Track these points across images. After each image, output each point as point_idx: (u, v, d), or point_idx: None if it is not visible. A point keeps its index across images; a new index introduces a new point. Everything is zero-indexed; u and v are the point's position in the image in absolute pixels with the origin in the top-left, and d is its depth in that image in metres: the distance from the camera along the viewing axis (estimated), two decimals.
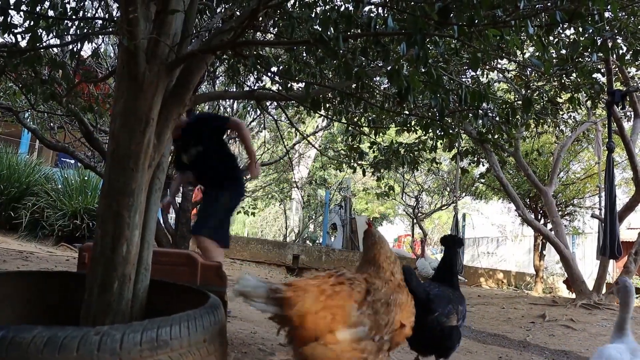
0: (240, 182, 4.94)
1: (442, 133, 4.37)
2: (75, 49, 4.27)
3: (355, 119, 5.99)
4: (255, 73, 5.12)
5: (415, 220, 19.72)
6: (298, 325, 1.99)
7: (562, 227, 9.98)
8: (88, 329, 1.63)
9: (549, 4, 3.16)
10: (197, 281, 3.14)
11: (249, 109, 9.64)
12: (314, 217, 22.16)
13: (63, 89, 4.40)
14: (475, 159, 8.90)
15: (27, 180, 10.89)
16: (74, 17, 3.77)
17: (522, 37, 4.16)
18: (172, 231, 7.02)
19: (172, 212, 8.31)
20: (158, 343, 1.68)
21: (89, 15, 4.68)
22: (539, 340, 6.02)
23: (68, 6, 3.69)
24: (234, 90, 6.15)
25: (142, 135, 2.41)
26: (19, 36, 3.55)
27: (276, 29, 4.29)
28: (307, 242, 19.77)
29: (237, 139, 11.36)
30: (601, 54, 5.31)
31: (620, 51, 4.64)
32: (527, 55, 6.51)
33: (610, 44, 4.41)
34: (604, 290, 8.98)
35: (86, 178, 10.69)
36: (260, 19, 3.84)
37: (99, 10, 5.23)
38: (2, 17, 3.22)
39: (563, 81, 6.48)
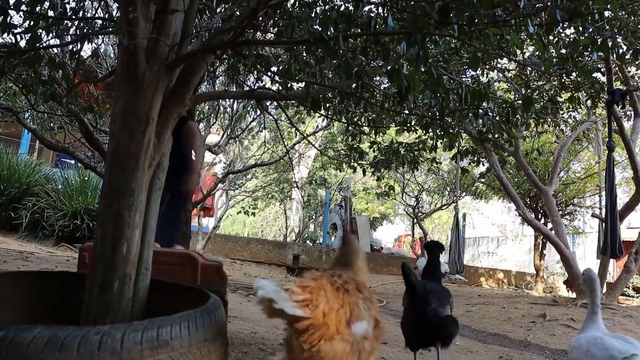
0: (182, 186, 4.70)
1: (442, 133, 4.37)
2: (75, 49, 4.27)
3: (356, 119, 5.99)
4: (255, 73, 5.12)
5: (415, 220, 19.72)
6: (322, 323, 2.03)
7: (563, 227, 9.98)
8: (88, 329, 1.63)
9: (549, 3, 3.16)
10: (197, 281, 3.14)
11: (249, 108, 9.64)
12: (314, 217, 22.16)
13: (63, 89, 4.39)
14: (476, 158, 8.90)
15: (28, 181, 10.89)
16: (73, 17, 3.77)
17: (522, 37, 4.16)
18: None
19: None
20: (158, 343, 1.68)
21: (88, 15, 4.67)
22: (540, 340, 6.02)
23: (68, 6, 3.68)
24: (234, 90, 6.15)
25: (142, 134, 2.41)
26: (18, 36, 3.55)
27: (276, 29, 4.28)
28: (308, 242, 19.77)
29: (236, 140, 11.36)
30: (601, 53, 5.31)
31: (621, 50, 4.64)
32: (527, 54, 6.51)
33: (610, 43, 4.41)
34: (604, 290, 8.98)
35: (86, 178, 10.69)
36: (260, 18, 3.84)
37: (99, 10, 5.23)
38: (2, 17, 3.22)
39: (563, 80, 6.48)
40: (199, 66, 2.85)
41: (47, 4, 3.62)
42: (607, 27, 4.46)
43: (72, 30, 4.05)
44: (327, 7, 3.72)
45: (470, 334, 6.17)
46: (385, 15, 2.55)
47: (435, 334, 3.33)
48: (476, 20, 2.23)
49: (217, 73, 7.97)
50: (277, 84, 4.75)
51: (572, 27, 4.97)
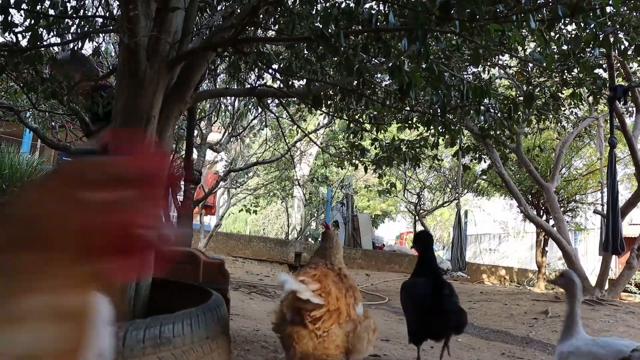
0: None
1: (444, 129, 4.36)
2: (76, 48, 4.27)
3: (357, 116, 5.98)
4: (257, 70, 5.11)
5: (417, 217, 19.70)
6: (336, 308, 2.18)
7: (564, 224, 9.97)
8: None
9: None
10: (199, 278, 3.14)
11: (250, 106, 9.63)
12: (315, 214, 22.17)
13: (64, 88, 4.39)
14: (477, 155, 8.88)
15: (30, 180, 10.89)
16: (74, 15, 3.77)
17: (523, 33, 4.15)
18: (174, 229, 7.01)
19: (173, 210, 8.31)
20: (161, 340, 1.67)
21: (89, 13, 4.67)
22: (542, 336, 6.02)
23: (68, 5, 3.68)
24: (235, 87, 6.15)
25: (143, 132, 2.41)
26: (19, 35, 3.55)
27: (277, 26, 4.28)
28: (309, 239, 19.77)
29: (237, 137, 11.36)
30: (603, 49, 5.30)
31: (622, 46, 4.62)
32: (528, 51, 6.49)
33: (612, 39, 4.39)
34: (606, 287, 8.97)
35: None
36: (261, 16, 3.83)
37: (99, 8, 5.22)
38: (3, 16, 3.21)
39: (565, 77, 6.47)
40: (199, 64, 2.85)
41: (47, 2, 3.62)
42: (609, 22, 4.44)
43: (72, 29, 4.06)
44: (328, 4, 3.72)
45: (473, 331, 6.17)
46: (387, 12, 2.54)
47: (454, 324, 3.47)
48: (477, 17, 2.23)
49: (218, 71, 7.97)
50: (279, 82, 4.75)
51: (573, 24, 4.96)
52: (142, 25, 2.45)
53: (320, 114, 11.24)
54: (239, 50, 2.86)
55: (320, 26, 2.68)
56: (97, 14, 4.94)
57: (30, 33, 3.26)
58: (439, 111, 3.49)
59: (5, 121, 9.65)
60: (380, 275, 12.66)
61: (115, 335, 0.91)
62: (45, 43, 3.68)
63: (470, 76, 6.17)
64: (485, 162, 9.83)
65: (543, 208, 14.58)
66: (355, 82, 3.59)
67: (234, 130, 10.27)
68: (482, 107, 3.70)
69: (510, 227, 24.35)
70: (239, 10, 3.29)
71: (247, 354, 3.58)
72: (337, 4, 3.37)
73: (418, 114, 4.95)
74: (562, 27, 5.29)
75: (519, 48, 5.86)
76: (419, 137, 6.84)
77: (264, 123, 11.34)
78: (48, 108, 7.12)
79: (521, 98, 5.63)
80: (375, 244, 18.54)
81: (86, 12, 4.10)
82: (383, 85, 4.97)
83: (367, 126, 5.88)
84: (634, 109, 9.16)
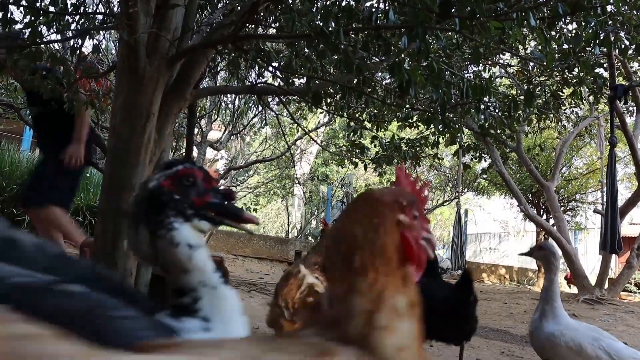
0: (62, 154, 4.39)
1: (444, 128, 4.35)
2: (76, 45, 4.26)
3: (357, 115, 5.98)
4: (257, 68, 5.11)
5: None
6: None
7: (565, 223, 9.97)
8: None
9: None
10: None
11: (250, 104, 9.63)
12: (316, 213, 22.16)
13: (64, 85, 4.38)
14: (478, 154, 8.88)
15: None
16: (74, 12, 3.76)
17: (524, 32, 4.14)
18: None
19: None
20: None
21: (89, 10, 4.66)
22: None
23: (68, 1, 3.68)
24: (235, 85, 6.14)
25: (142, 130, 2.41)
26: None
27: (277, 24, 4.27)
28: (310, 238, 19.78)
29: (237, 136, 11.35)
30: (604, 49, 5.29)
31: (623, 45, 4.61)
32: (529, 50, 6.49)
33: (612, 38, 4.38)
34: (606, 286, 8.97)
35: (88, 175, 10.69)
36: (262, 14, 3.83)
37: (100, 5, 5.21)
38: (2, 13, 3.21)
39: (565, 76, 6.46)
40: (199, 61, 2.85)
41: None
42: (610, 21, 4.43)
43: (72, 26, 4.05)
44: (328, 1, 3.71)
45: None
46: (387, 9, 2.54)
47: (473, 324, 3.38)
48: (477, 14, 2.22)
49: (218, 69, 7.97)
50: (279, 80, 4.74)
51: (574, 23, 4.95)
52: (142, 22, 2.45)
53: (321, 112, 11.24)
54: (238, 48, 2.85)
55: (320, 24, 2.68)
56: (97, 10, 4.93)
57: (29, 30, 3.25)
58: (439, 109, 3.49)
59: (5, 118, 9.66)
60: None
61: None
62: (45, 40, 3.67)
63: (471, 75, 6.16)
64: (485, 161, 9.83)
65: (543, 207, 14.58)
66: (356, 80, 3.59)
67: (234, 129, 10.26)
68: (482, 106, 3.69)
69: (511, 226, 24.33)
70: (239, 8, 3.29)
71: None
72: (337, 2, 3.36)
73: (418, 112, 4.94)
74: (563, 26, 5.28)
75: (520, 47, 5.86)
76: (419, 136, 6.83)
77: (264, 121, 11.34)
78: None
79: (522, 97, 5.63)
80: None
81: (86, 9, 4.09)
82: (383, 83, 4.97)
83: (368, 124, 5.87)
84: (635, 108, 9.15)
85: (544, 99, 6.39)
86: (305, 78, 3.70)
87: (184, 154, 7.10)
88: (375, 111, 5.54)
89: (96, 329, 0.92)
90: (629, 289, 13.28)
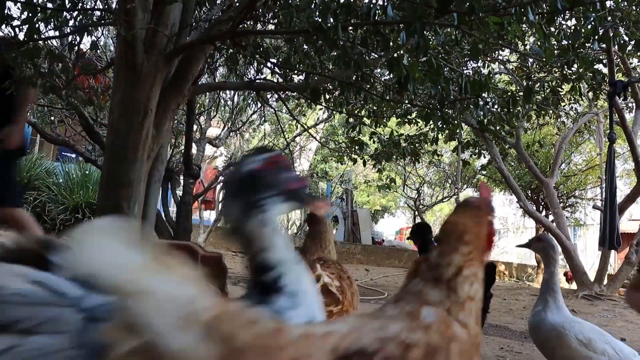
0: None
1: (443, 124, 4.35)
2: (74, 41, 4.25)
3: (356, 111, 5.97)
4: (256, 64, 5.10)
5: (416, 213, 19.70)
6: (346, 310, 2.32)
7: (564, 219, 9.97)
8: None
9: None
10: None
11: (249, 101, 9.62)
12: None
13: (62, 82, 4.38)
14: (477, 150, 8.88)
15: (29, 175, 10.87)
16: (72, 8, 3.75)
17: (523, 27, 4.13)
18: (174, 224, 7.02)
19: (173, 205, 8.31)
20: None
21: (87, 6, 4.65)
22: None
23: None
24: (234, 81, 6.13)
25: (140, 126, 2.41)
26: (17, 28, 3.53)
27: (276, 20, 4.26)
28: None
29: (237, 132, 11.34)
30: (603, 45, 5.28)
31: (622, 40, 4.61)
32: (528, 46, 6.47)
33: (611, 34, 4.37)
34: (605, 282, 8.98)
35: (87, 172, 10.67)
36: (260, 10, 3.82)
37: (98, 1, 5.20)
38: (0, 9, 3.20)
39: (565, 72, 6.45)
40: (197, 57, 2.84)
41: None
42: (609, 17, 4.42)
43: (70, 22, 4.04)
44: None
45: None
46: (385, 4, 2.53)
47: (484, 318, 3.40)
48: (476, 9, 2.21)
49: (217, 65, 7.96)
50: (277, 76, 4.73)
51: (573, 19, 4.94)
52: (140, 18, 2.44)
53: (320, 109, 11.23)
54: (236, 44, 2.85)
55: (319, 19, 2.67)
56: (95, 7, 4.92)
57: (27, 26, 3.24)
58: (437, 105, 3.48)
59: None
60: (379, 271, 12.66)
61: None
62: (43, 36, 3.66)
63: (470, 71, 6.15)
64: (484, 157, 9.82)
65: (542, 203, 14.58)
66: (354, 76, 3.58)
67: (233, 125, 10.25)
68: (480, 101, 3.69)
69: (510, 222, 24.37)
70: (237, 3, 3.28)
71: None
72: None
73: (417, 109, 4.94)
74: (562, 21, 5.27)
75: (519, 43, 5.85)
76: (418, 132, 6.83)
77: (263, 118, 11.33)
78: (47, 102, 7.10)
79: (521, 93, 5.62)
80: (374, 239, 18.55)
81: (84, 5, 4.08)
82: (382, 79, 4.96)
83: (367, 120, 5.87)
84: (634, 104, 9.14)
85: (543, 95, 6.39)
86: (304, 74, 3.69)
87: (183, 150, 7.10)
88: (375, 107, 5.54)
89: None
90: (628, 285, 13.28)
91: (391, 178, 8.97)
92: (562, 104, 8.08)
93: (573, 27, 4.42)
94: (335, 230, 18.41)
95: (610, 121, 7.13)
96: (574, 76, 6.27)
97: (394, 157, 6.95)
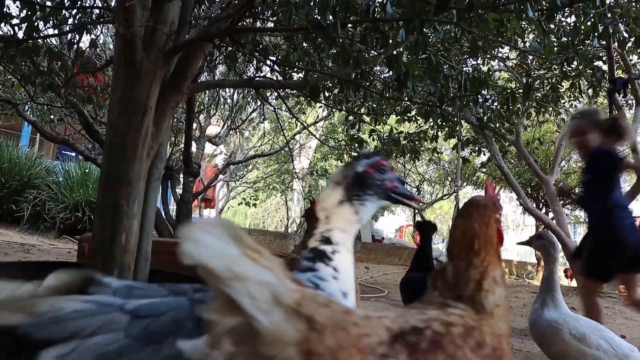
0: None
1: (443, 121, 4.35)
2: (73, 40, 4.24)
3: (356, 109, 5.97)
4: (255, 62, 5.09)
5: (416, 210, 19.70)
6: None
7: (564, 216, 9.96)
8: None
9: None
10: (196, 271, 3.13)
11: (249, 99, 9.61)
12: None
13: (62, 80, 4.37)
14: (477, 148, 8.87)
15: (29, 173, 10.89)
16: (71, 6, 3.74)
17: (523, 25, 4.12)
18: (173, 222, 7.02)
19: (172, 203, 8.31)
20: None
21: (86, 4, 4.65)
22: None
23: None
24: (233, 79, 6.12)
25: (139, 124, 2.40)
26: (15, 26, 3.53)
27: (275, 18, 4.26)
28: None
29: (236, 130, 11.32)
30: (603, 41, 5.27)
31: (622, 37, 4.60)
32: (528, 44, 6.47)
33: (611, 30, 4.37)
34: None
35: (87, 170, 10.69)
36: (259, 8, 3.81)
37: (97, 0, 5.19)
38: None
39: (564, 69, 6.44)
40: (196, 55, 2.83)
41: None
42: (609, 14, 4.41)
43: (69, 20, 4.03)
44: None
45: None
46: (384, 2, 2.53)
47: None
48: (475, 6, 2.21)
49: (217, 62, 7.94)
50: (277, 74, 4.73)
51: (573, 16, 4.93)
52: (138, 16, 2.44)
53: (320, 107, 11.23)
54: (235, 41, 2.84)
55: (318, 17, 2.66)
56: (94, 5, 4.91)
57: (26, 24, 3.24)
58: (437, 102, 3.48)
59: (3, 114, 9.63)
60: (379, 268, 12.67)
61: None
62: (42, 34, 3.66)
63: (470, 68, 6.15)
64: (484, 154, 9.82)
65: (542, 201, 14.59)
66: (354, 73, 3.57)
67: (233, 123, 10.25)
68: (480, 99, 3.68)
69: (510, 219, 24.38)
70: (236, 1, 3.28)
71: None
72: None
73: (417, 106, 4.93)
74: (562, 18, 5.26)
75: (519, 40, 5.84)
76: (418, 130, 6.83)
77: (262, 116, 11.32)
78: (46, 101, 7.09)
79: (520, 90, 5.62)
80: (374, 237, 18.55)
81: (83, 3, 4.07)
82: (382, 77, 4.95)
83: (366, 118, 5.86)
84: (634, 101, 9.13)
85: (543, 92, 6.38)
86: (303, 72, 3.69)
87: (182, 148, 7.09)
88: (374, 105, 5.53)
89: None
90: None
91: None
92: (562, 101, 8.07)
93: (572, 24, 4.41)
94: None
95: None
96: (574, 73, 6.26)
97: (394, 154, 6.95)
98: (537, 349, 5.02)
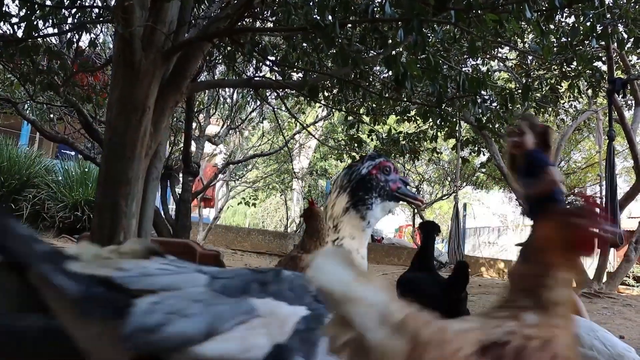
0: None
1: (442, 121, 4.35)
2: (72, 39, 4.25)
3: (355, 109, 5.97)
4: (254, 62, 5.09)
5: (416, 210, 19.70)
6: None
7: None
8: None
9: None
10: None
11: (248, 99, 9.60)
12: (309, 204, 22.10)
13: (61, 79, 4.37)
14: (476, 148, 8.88)
15: (28, 172, 10.89)
16: (70, 5, 3.75)
17: (522, 25, 4.12)
18: (173, 222, 7.02)
19: (172, 202, 8.31)
20: None
21: (85, 4, 4.65)
22: None
23: None
24: (232, 78, 6.12)
25: (138, 123, 2.41)
26: (14, 25, 3.53)
27: (274, 18, 4.26)
28: None
29: (236, 130, 11.33)
30: (602, 42, 5.28)
31: (620, 37, 4.61)
32: (527, 44, 6.47)
33: (610, 30, 4.37)
34: (604, 279, 8.98)
35: (86, 170, 10.68)
36: (258, 9, 3.81)
37: None
38: None
39: (564, 69, 6.45)
40: (195, 54, 2.84)
41: None
42: (608, 15, 4.42)
43: (69, 20, 4.03)
44: None
45: None
46: (383, 2, 2.53)
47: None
48: (474, 7, 2.21)
49: (217, 61, 7.94)
50: (276, 74, 4.73)
51: (572, 16, 4.94)
52: (137, 15, 2.44)
53: (319, 107, 11.23)
54: (234, 41, 2.84)
55: (317, 17, 2.67)
56: (94, 4, 4.92)
57: (25, 23, 3.24)
58: (436, 102, 3.48)
59: (3, 113, 9.63)
60: (378, 268, 12.67)
61: None
62: (41, 33, 3.66)
63: (470, 68, 6.15)
64: (484, 155, 9.83)
65: None
66: (353, 73, 3.57)
67: (232, 123, 10.24)
68: (478, 99, 3.68)
69: (510, 220, 24.38)
70: (235, 1, 3.28)
71: None
72: None
73: (416, 106, 4.94)
74: (562, 19, 5.27)
75: (518, 40, 5.85)
76: (417, 130, 6.83)
77: (262, 116, 11.31)
78: (46, 100, 7.09)
79: (519, 90, 5.62)
80: (374, 237, 18.54)
81: (83, 2, 4.07)
82: (381, 77, 4.95)
83: (365, 118, 5.86)
84: (633, 102, 9.14)
85: (542, 93, 6.39)
86: (302, 72, 3.69)
87: (182, 147, 7.10)
88: (374, 105, 5.53)
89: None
90: (627, 282, 13.30)
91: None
92: (562, 101, 8.08)
93: (572, 25, 4.41)
94: None
95: (610, 119, 7.13)
96: (573, 74, 6.27)
97: (393, 154, 6.96)
98: None
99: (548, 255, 1.18)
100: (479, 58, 6.15)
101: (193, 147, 8.05)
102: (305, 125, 9.02)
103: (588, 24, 3.40)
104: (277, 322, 1.12)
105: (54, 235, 9.76)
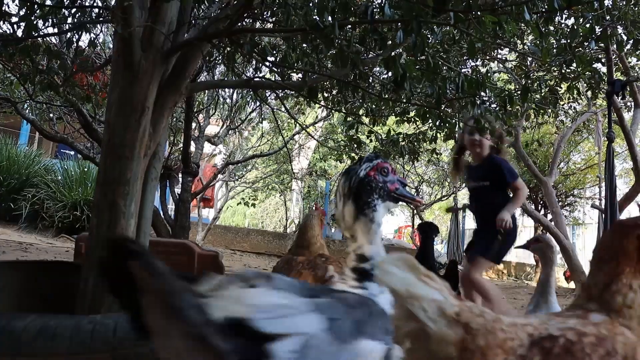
0: None
1: (442, 123, 4.35)
2: (72, 38, 4.24)
3: (354, 110, 5.97)
4: (254, 63, 5.09)
5: (415, 211, 19.70)
6: None
7: (562, 218, 9.98)
8: (81, 318, 1.63)
9: None
10: (194, 271, 3.14)
11: (248, 99, 9.60)
12: (314, 208, 22.13)
13: (61, 79, 4.37)
14: None
15: (27, 172, 10.89)
16: (70, 5, 3.74)
17: (521, 27, 4.13)
18: (172, 222, 7.02)
19: (171, 203, 8.30)
20: None
21: (85, 3, 4.65)
22: None
23: None
24: (232, 79, 6.12)
25: (137, 124, 2.41)
26: (14, 25, 3.53)
27: (274, 19, 4.25)
28: None
29: (235, 130, 11.33)
30: (601, 43, 5.28)
31: (619, 38, 4.61)
32: (526, 46, 6.47)
33: (609, 32, 4.38)
34: None
35: (86, 169, 10.68)
36: (257, 10, 3.81)
37: None
38: None
39: (563, 71, 6.45)
40: (195, 55, 2.84)
41: None
42: (607, 17, 4.42)
43: (69, 20, 4.03)
44: None
45: None
46: (382, 3, 2.53)
47: None
48: (473, 8, 2.21)
49: (216, 61, 7.93)
50: (275, 74, 4.72)
51: (572, 18, 4.94)
52: (137, 16, 2.44)
53: (319, 108, 11.23)
54: (234, 42, 2.85)
55: (316, 18, 2.67)
56: (94, 4, 4.92)
57: (25, 23, 3.24)
58: (435, 103, 3.48)
59: (2, 112, 9.63)
60: None
61: None
62: (41, 33, 3.65)
63: (469, 70, 6.15)
64: None
65: (541, 202, 14.60)
66: (352, 74, 3.57)
67: (232, 123, 10.24)
68: (477, 100, 3.68)
69: None
70: (235, 1, 3.28)
71: None
72: None
73: (415, 107, 4.93)
74: (561, 21, 5.27)
75: (518, 42, 5.85)
76: (416, 131, 6.83)
77: (262, 117, 11.30)
78: (45, 99, 7.09)
79: (519, 92, 5.62)
80: None
81: (82, 1, 4.07)
82: (381, 78, 4.95)
83: (365, 119, 5.86)
84: (632, 103, 9.14)
85: (541, 94, 6.39)
86: (301, 72, 3.69)
87: (181, 148, 7.09)
88: (373, 106, 5.53)
89: None
90: None
91: None
92: (561, 102, 8.08)
93: (571, 26, 4.42)
94: (334, 229, 18.42)
95: (609, 120, 7.12)
96: (573, 75, 6.27)
97: (392, 155, 6.96)
98: None
99: (620, 263, 1.26)
100: (479, 59, 6.15)
101: (192, 148, 8.05)
102: (304, 126, 9.02)
103: (587, 25, 3.40)
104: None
105: (53, 235, 9.77)
